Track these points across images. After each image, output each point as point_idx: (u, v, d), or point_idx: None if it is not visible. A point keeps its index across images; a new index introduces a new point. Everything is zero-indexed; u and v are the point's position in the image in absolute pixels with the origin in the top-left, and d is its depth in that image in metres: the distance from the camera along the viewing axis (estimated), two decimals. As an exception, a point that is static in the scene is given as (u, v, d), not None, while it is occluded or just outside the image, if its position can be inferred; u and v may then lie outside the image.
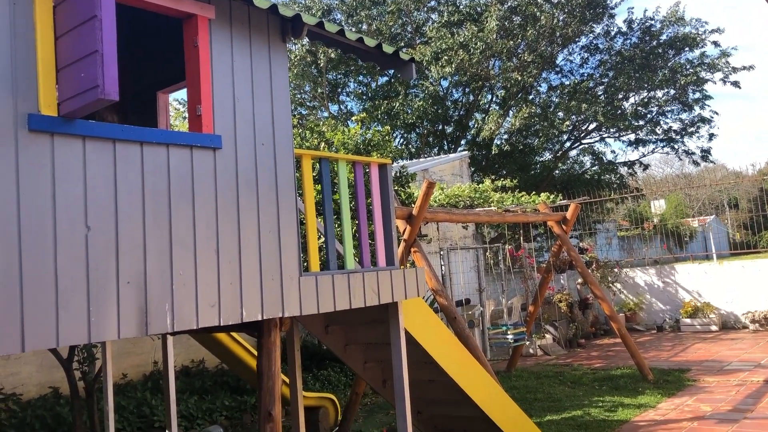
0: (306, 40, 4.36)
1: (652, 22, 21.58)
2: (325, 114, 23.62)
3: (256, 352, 7.72)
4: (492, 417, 5.88)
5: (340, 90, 24.30)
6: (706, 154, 22.92)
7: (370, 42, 4.63)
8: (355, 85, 24.12)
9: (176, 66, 5.06)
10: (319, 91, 23.14)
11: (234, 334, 7.63)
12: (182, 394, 8.51)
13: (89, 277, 3.10)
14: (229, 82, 3.92)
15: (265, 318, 3.91)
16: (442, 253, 12.75)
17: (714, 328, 14.52)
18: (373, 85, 23.64)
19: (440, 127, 23.61)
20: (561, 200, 13.29)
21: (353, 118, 13.53)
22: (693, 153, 23.09)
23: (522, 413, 6.22)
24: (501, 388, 6.15)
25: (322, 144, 10.13)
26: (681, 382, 9.44)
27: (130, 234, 3.28)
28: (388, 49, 4.76)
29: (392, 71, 22.10)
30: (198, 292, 3.54)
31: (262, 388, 3.92)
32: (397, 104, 21.19)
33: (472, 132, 22.75)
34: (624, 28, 22.00)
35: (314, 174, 7.76)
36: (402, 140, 24.09)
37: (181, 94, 21.43)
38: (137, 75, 5.41)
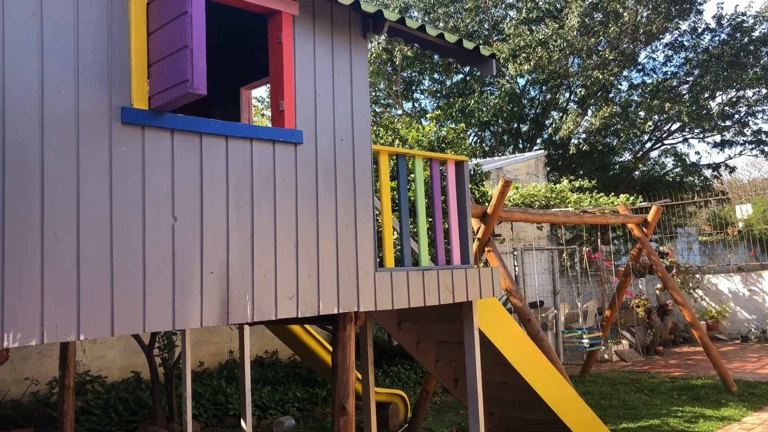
0: (383, 38, 4.36)
1: (744, 17, 20.55)
2: (399, 112, 23.66)
3: (328, 345, 7.83)
4: (566, 421, 5.74)
5: (414, 88, 24.28)
6: (799, 157, 21.66)
7: (450, 38, 4.60)
8: (430, 82, 24.03)
9: (259, 62, 5.17)
10: (394, 88, 23.19)
11: (308, 326, 7.75)
12: (256, 384, 8.71)
13: (174, 266, 3.20)
14: (311, 78, 3.96)
15: (341, 311, 3.94)
16: (515, 253, 12.56)
17: (805, 340, 13.74)
18: (448, 82, 23.49)
19: (515, 125, 23.25)
20: (641, 202, 12.86)
21: (428, 116, 13.48)
22: (784, 156, 21.88)
23: (597, 419, 6.06)
24: (576, 392, 6.00)
25: (397, 141, 10.14)
26: (768, 395, 8.98)
27: (213, 225, 3.37)
28: (468, 45, 4.71)
29: (469, 68, 21.94)
30: (277, 283, 3.61)
31: (336, 381, 3.96)
32: (472, 102, 20.98)
33: (549, 131, 22.29)
34: (712, 25, 21.05)
35: (390, 171, 7.78)
36: (476, 138, 23.86)
37: (260, 91, 21.91)
38: (222, 70, 5.56)
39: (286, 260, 3.68)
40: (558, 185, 13.12)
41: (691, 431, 7.32)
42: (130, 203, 3.09)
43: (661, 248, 15.22)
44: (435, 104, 23.61)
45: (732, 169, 23.24)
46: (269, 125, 4.35)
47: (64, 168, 2.91)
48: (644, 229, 10.23)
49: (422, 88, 24.38)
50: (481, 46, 4.83)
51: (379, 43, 21.03)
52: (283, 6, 3.80)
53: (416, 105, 24.65)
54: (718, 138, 22.23)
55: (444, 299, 4.61)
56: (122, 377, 8.44)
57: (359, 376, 7.05)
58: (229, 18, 5.25)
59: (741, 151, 22.77)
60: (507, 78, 21.04)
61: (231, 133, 3.50)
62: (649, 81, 21.56)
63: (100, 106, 3.05)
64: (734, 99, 20.93)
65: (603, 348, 11.71)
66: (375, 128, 10.60)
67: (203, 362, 9.40)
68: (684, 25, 20.98)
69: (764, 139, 21.76)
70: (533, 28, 20.32)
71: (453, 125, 11.72)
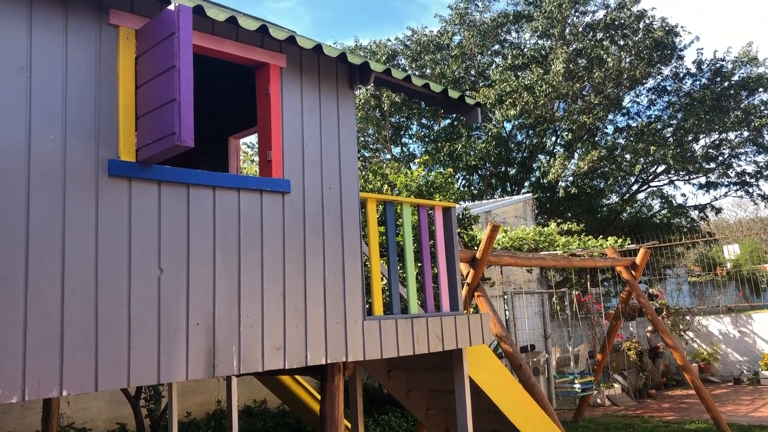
0: (371, 85, 4.45)
1: (723, 63, 21.05)
2: (388, 156, 23.84)
3: (317, 395, 7.71)
4: (559, 471, 5.66)
5: (402, 132, 24.54)
6: (784, 198, 21.94)
7: (435, 87, 4.67)
8: (418, 127, 24.31)
9: (248, 112, 5.22)
10: (383, 133, 23.43)
11: (297, 375, 7.64)
12: (244, 435, 8.54)
13: (160, 318, 3.17)
14: (299, 128, 4.00)
15: (329, 362, 3.90)
16: (506, 297, 12.53)
17: (797, 382, 13.68)
18: (436, 127, 23.77)
19: (503, 169, 23.47)
20: (629, 245, 12.92)
21: (416, 161, 13.59)
22: (769, 197, 22.15)
23: (591, 468, 5.96)
24: (569, 440, 5.92)
25: (385, 186, 10.20)
26: (762, 439, 8.89)
27: (200, 276, 3.35)
28: (453, 94, 4.78)
29: (456, 115, 22.27)
30: (264, 334, 3.57)
31: (325, 433, 3.89)
32: (460, 146, 21.21)
33: (537, 174, 22.51)
34: (693, 70, 21.54)
35: (378, 216, 7.80)
36: (464, 182, 24.04)
37: (250, 137, 22.06)
38: (210, 120, 5.60)
39: (274, 311, 3.65)
40: (546, 228, 13.19)
41: (686, 478, 7.21)
42: (116, 256, 3.08)
43: (650, 290, 15.25)
44: (423, 149, 23.84)
45: (718, 210, 23.46)
46: (258, 171, 4.37)
47: (49, 220, 2.90)
48: (633, 272, 10.26)
49: (410, 133, 24.65)
50: (466, 95, 4.91)
51: (367, 90, 21.31)
52: (271, 59, 3.86)
53: (405, 149, 24.88)
54: (703, 180, 22.50)
55: (433, 347, 4.58)
56: (107, 429, 8.26)
57: (349, 425, 6.94)
58: (217, 69, 5.32)
59: (726, 193, 23.04)
60: (494, 123, 21.33)
61: (218, 184, 3.51)
62: (634, 124, 21.92)
63: (87, 159, 3.06)
64: (717, 142, 21.29)
65: (595, 392, 11.60)
66: (364, 173, 10.67)
67: (190, 412, 9.22)
68: (666, 70, 21.46)
69: (748, 180, 22.05)
70: (519, 74, 20.69)
71: (441, 170, 11.82)
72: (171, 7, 3.07)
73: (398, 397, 5.88)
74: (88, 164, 3.06)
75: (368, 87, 4.46)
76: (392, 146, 24.14)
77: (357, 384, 5.52)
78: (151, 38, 3.17)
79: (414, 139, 24.74)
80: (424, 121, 23.84)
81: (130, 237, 3.13)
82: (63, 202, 2.96)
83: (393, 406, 10.62)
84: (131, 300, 3.08)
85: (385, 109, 21.97)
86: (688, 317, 15.45)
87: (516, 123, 22.31)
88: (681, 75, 21.64)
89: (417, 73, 22.73)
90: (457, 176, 22.85)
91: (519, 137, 23.43)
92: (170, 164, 3.71)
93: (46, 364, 2.79)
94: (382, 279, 6.68)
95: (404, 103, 22.00)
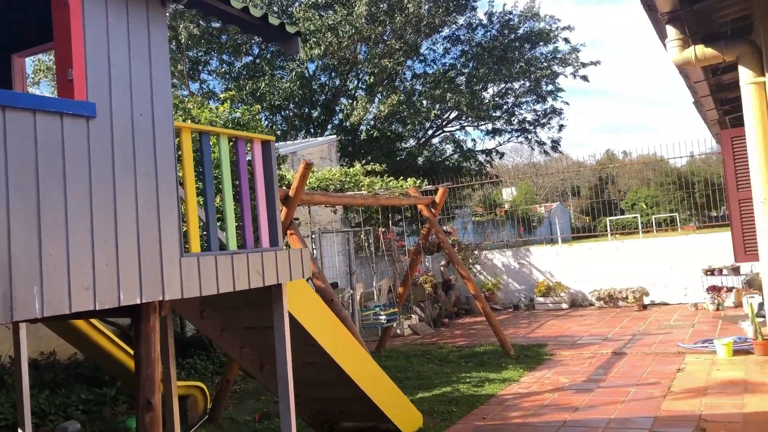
0: (182, 7, 4.10)
1: (511, 16, 22.59)
2: (185, 92, 22.58)
3: (118, 340, 7.27)
4: (372, 396, 5.91)
5: (201, 68, 23.32)
6: (555, 144, 24.41)
7: (255, 12, 4.42)
8: (218, 63, 23.25)
9: (35, 27, 4.58)
10: (179, 68, 22.07)
11: (93, 320, 7.11)
12: (31, 389, 7.80)
13: (-58, 257, 2.71)
14: (104, 45, 3.58)
15: (144, 301, 3.63)
16: (313, 236, 12.65)
17: (565, 306, 15.57)
18: (238, 64, 22.90)
19: (307, 110, 23.38)
20: (426, 185, 13.60)
21: (221, 96, 13.02)
22: (544, 143, 24.52)
23: (400, 392, 6.31)
24: (380, 368, 6.19)
25: (188, 121, 9.65)
26: (539, 356, 10.02)
27: (-9, 209, 2.91)
28: (273, 21, 4.57)
29: (272, 46, 21.59)
30: (71, 273, 3.21)
31: (140, 375, 3.65)
32: (263, 85, 20.69)
33: (340, 117, 22.74)
34: (485, 21, 22.86)
35: (194, 150, 7.36)
36: (267, 122, 23.57)
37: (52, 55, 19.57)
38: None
39: (81, 248, 3.29)
40: (352, 169, 13.43)
41: (479, 394, 7.93)
42: None
43: (445, 228, 16.29)
44: (224, 86, 22.90)
45: (501, 155, 25.52)
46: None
47: None
48: (433, 210, 10.84)
49: (210, 68, 23.51)
50: (286, 23, 4.72)
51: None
52: (70, -39, 3.37)
53: (204, 86, 23.72)
54: (490, 126, 24.26)
55: (254, 283, 4.46)
56: None
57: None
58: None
59: (509, 139, 25.10)
60: (297, 62, 21.04)
61: (8, 104, 3.03)
62: (431, 72, 22.87)
63: None
64: (503, 91, 22.98)
65: (396, 323, 12.26)
66: (164, 108, 9.98)
67: (-35, 370, 8.23)
68: (461, 20, 22.55)
69: (528, 128, 24.18)
70: (323, 13, 20.50)
71: (247, 107, 11.43)
72: None
73: (212, 337, 5.73)
74: None
75: (181, 5, 4.08)
76: (190, 82, 22.88)
77: (168, 326, 5.25)
78: None
79: (214, 75, 23.66)
80: (224, 56, 22.83)
81: None
82: None
83: (198, 350, 10.36)
84: None
85: (183, 41, 20.65)
86: (476, 252, 16.80)
87: (320, 64, 22.21)
88: (474, 25, 22.88)
89: None
90: (260, 116, 22.31)
91: (322, 79, 23.39)
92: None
93: None
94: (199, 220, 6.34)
95: (203, 36, 20.85)
